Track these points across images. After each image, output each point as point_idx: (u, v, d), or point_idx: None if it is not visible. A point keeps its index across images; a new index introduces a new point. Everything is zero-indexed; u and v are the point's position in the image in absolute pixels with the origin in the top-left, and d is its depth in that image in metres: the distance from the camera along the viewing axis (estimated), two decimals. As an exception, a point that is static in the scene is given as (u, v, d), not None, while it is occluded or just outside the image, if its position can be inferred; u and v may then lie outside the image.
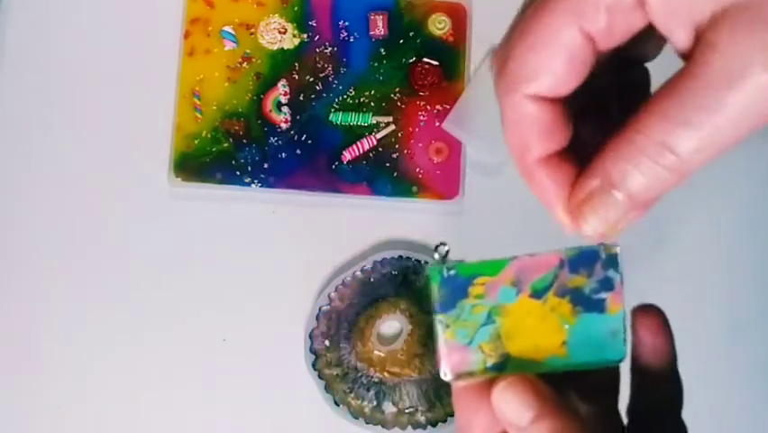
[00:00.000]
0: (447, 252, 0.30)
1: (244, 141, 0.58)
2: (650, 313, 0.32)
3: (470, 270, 0.29)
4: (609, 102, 0.30)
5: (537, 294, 0.29)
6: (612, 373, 0.33)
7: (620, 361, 0.30)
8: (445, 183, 0.59)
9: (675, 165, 0.25)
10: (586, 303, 0.29)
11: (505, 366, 0.30)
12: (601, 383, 0.32)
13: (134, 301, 0.58)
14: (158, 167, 0.58)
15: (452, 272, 0.29)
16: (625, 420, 0.34)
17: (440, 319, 0.30)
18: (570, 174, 0.27)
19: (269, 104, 0.59)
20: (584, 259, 0.29)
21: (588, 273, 0.29)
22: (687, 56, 0.25)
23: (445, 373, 0.30)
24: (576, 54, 0.26)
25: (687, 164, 0.25)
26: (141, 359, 0.57)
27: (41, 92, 0.60)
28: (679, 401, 0.33)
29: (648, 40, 0.27)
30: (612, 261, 0.29)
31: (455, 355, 0.30)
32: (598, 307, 0.29)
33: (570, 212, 0.27)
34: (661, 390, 0.32)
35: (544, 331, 0.29)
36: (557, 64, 0.26)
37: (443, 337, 0.30)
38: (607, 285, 0.29)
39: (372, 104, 0.59)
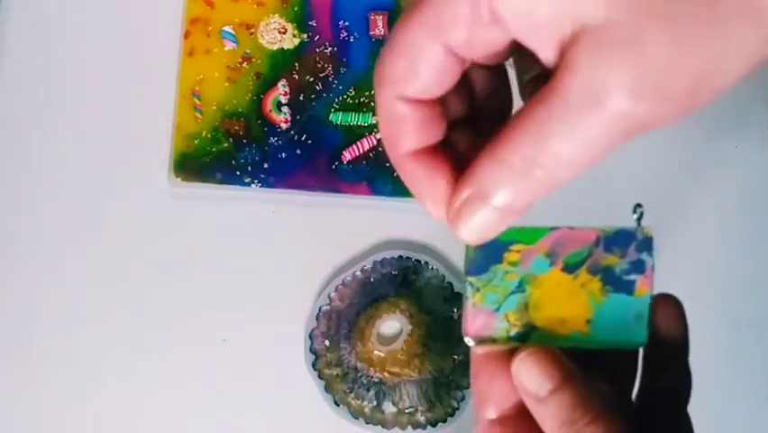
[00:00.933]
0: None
1: (244, 141, 0.58)
2: (670, 302, 0.32)
3: (508, 235, 0.29)
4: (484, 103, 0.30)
5: (570, 268, 0.30)
6: (632, 356, 0.33)
7: (640, 345, 0.30)
8: (445, 183, 0.59)
9: (542, 178, 0.25)
10: (616, 283, 0.29)
11: (527, 337, 0.30)
12: (620, 364, 0.32)
13: (134, 301, 0.58)
14: (158, 167, 0.58)
15: None
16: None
17: (470, 282, 0.30)
18: (440, 168, 0.28)
19: (269, 104, 0.59)
20: (620, 239, 0.29)
21: (621, 253, 0.29)
22: (552, 71, 0.25)
23: (467, 336, 0.30)
24: (439, 66, 0.26)
25: (553, 176, 0.25)
26: (141, 359, 0.57)
27: (41, 92, 0.60)
28: (687, 393, 0.33)
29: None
30: (647, 244, 0.29)
31: (480, 319, 0.30)
32: (628, 288, 0.29)
33: (448, 219, 0.28)
34: (671, 379, 0.32)
35: (571, 306, 0.29)
36: (421, 75, 0.26)
37: (471, 300, 0.30)
38: (638, 267, 0.29)
39: (372, 104, 0.59)
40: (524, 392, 0.29)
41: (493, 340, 0.30)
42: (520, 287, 0.30)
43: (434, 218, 0.28)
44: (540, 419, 0.29)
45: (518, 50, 0.26)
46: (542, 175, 0.25)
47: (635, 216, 0.30)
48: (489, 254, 0.30)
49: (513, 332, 0.30)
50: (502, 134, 0.26)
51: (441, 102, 0.28)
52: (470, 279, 0.30)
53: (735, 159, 0.61)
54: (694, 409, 0.35)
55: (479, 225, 0.27)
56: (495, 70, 0.30)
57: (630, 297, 0.29)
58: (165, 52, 0.59)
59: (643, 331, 0.30)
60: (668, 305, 0.32)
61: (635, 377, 0.33)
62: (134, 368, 0.57)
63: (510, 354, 0.30)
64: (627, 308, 0.29)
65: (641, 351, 0.32)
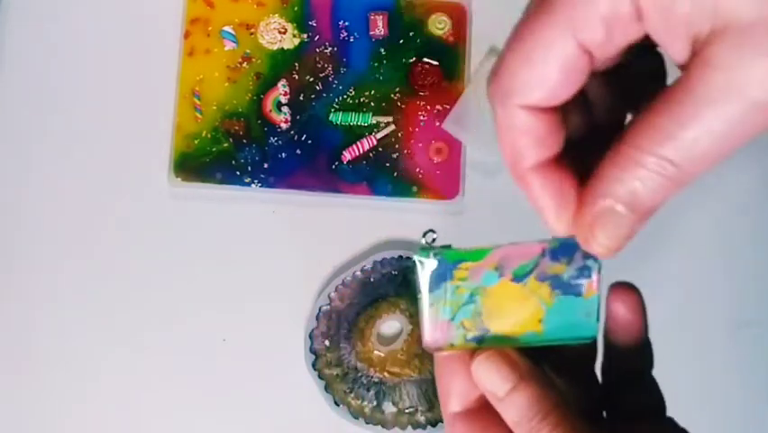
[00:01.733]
0: (434, 239, 0.32)
1: (244, 141, 0.58)
2: (625, 290, 0.33)
3: (455, 256, 0.31)
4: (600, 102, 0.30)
5: (518, 278, 0.31)
6: (587, 348, 0.34)
7: (591, 339, 0.32)
8: (445, 183, 0.59)
9: (675, 176, 0.25)
10: (564, 287, 0.31)
11: (484, 339, 0.31)
12: (576, 356, 0.34)
13: (134, 301, 0.58)
14: (158, 167, 0.58)
15: (439, 256, 0.31)
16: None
17: (425, 298, 0.32)
18: (562, 179, 0.28)
19: (269, 104, 0.59)
20: (565, 249, 0.31)
21: (567, 261, 0.31)
22: (683, 67, 0.25)
23: (428, 345, 0.32)
24: (571, 66, 0.26)
25: (686, 174, 0.25)
26: (141, 359, 0.57)
27: (41, 92, 0.60)
28: (649, 364, 0.34)
29: (644, 49, 0.28)
30: None
31: (438, 330, 0.32)
32: (575, 291, 0.31)
33: (579, 234, 0.28)
34: (631, 358, 0.34)
35: (522, 310, 0.31)
36: (551, 77, 0.26)
37: (427, 314, 0.32)
38: (585, 273, 0.31)
39: (372, 104, 0.59)
40: (485, 391, 0.31)
41: (452, 346, 0.32)
42: (471, 298, 0.31)
43: (559, 233, 0.29)
44: (503, 414, 0.31)
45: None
46: (675, 173, 0.25)
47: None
48: (439, 274, 0.31)
49: (470, 336, 0.31)
50: (628, 137, 0.26)
51: (561, 111, 0.28)
52: (425, 296, 0.32)
53: (735, 159, 0.61)
54: (694, 408, 0.35)
55: (615, 234, 0.27)
56: (613, 78, 0.29)
57: (578, 297, 0.31)
58: (165, 52, 0.59)
59: (593, 325, 0.31)
60: (623, 292, 0.33)
61: (593, 363, 0.35)
62: (134, 368, 0.57)
63: (470, 354, 0.31)
64: (577, 308, 0.31)
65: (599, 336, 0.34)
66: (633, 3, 0.25)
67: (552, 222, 0.29)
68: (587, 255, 0.30)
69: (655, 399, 0.34)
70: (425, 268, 0.31)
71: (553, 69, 0.26)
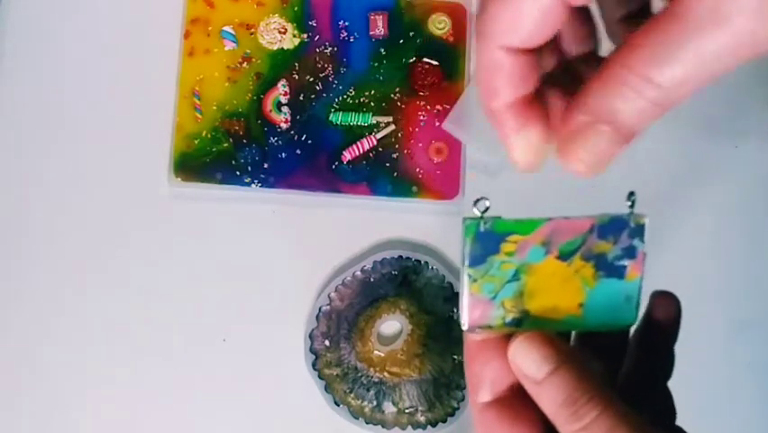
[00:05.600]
0: (487, 207, 0.30)
1: (244, 141, 0.58)
2: (668, 298, 0.33)
3: (505, 227, 0.30)
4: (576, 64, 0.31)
5: (564, 256, 0.30)
6: (621, 338, 0.34)
7: (630, 325, 0.31)
8: (445, 183, 0.59)
9: (658, 97, 0.26)
10: (608, 268, 0.30)
11: (522, 323, 0.30)
12: (610, 346, 0.34)
13: (134, 301, 0.58)
14: (158, 167, 0.58)
15: (487, 226, 0.30)
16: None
17: (468, 273, 0.30)
18: (533, 116, 0.29)
19: (269, 104, 0.59)
20: (613, 226, 0.30)
21: (614, 240, 0.30)
22: None
23: (465, 325, 0.31)
24: (548, 11, 0.27)
25: (669, 97, 0.26)
26: (141, 359, 0.57)
27: (40, 92, 0.60)
28: (669, 373, 0.34)
29: None
30: (639, 230, 0.30)
31: (477, 308, 0.30)
32: (619, 273, 0.30)
33: (559, 149, 0.28)
34: (656, 363, 0.34)
35: (564, 292, 0.30)
36: (529, 20, 0.27)
37: (468, 290, 0.30)
38: (630, 253, 0.30)
39: (372, 104, 0.59)
40: (521, 376, 0.30)
41: (489, 327, 0.31)
42: (516, 276, 0.30)
43: (521, 167, 0.29)
44: (538, 400, 0.30)
45: None
46: (657, 95, 0.26)
47: (629, 204, 0.31)
48: (486, 246, 0.30)
49: (509, 318, 0.30)
50: (616, 57, 0.26)
51: (535, 52, 0.29)
52: (469, 270, 0.30)
53: (735, 159, 0.61)
54: (694, 408, 0.35)
55: (594, 152, 0.27)
56: (581, 15, 0.30)
57: (621, 281, 0.30)
58: (165, 52, 0.59)
59: (632, 312, 0.31)
60: (666, 299, 0.33)
61: (623, 356, 0.34)
62: (134, 368, 0.57)
63: (504, 340, 0.30)
64: (618, 292, 0.30)
65: (631, 333, 0.34)
66: None
67: (517, 154, 0.29)
68: (633, 234, 0.30)
69: (668, 407, 0.34)
70: (472, 239, 0.30)
71: (530, 14, 0.27)
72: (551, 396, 0.29)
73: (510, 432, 0.30)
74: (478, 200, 0.30)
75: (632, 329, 0.33)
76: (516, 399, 0.31)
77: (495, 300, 0.30)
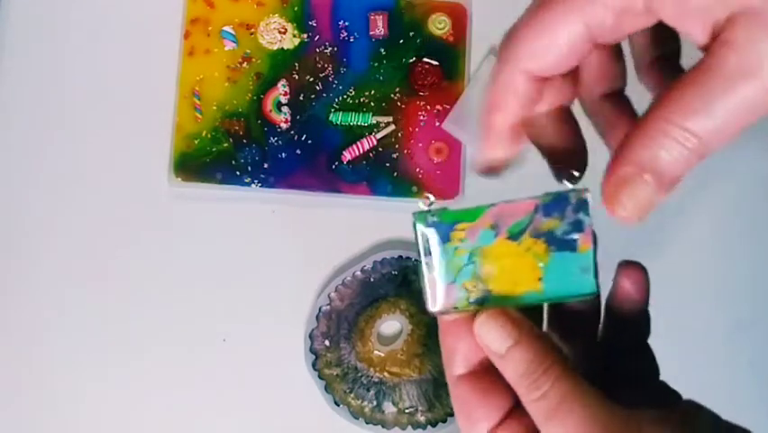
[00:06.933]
0: (432, 201, 0.32)
1: (244, 141, 0.58)
2: (632, 267, 0.35)
3: (451, 216, 0.32)
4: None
5: (514, 236, 0.32)
6: (589, 316, 0.36)
7: (592, 294, 0.32)
8: (445, 183, 0.59)
9: (697, 147, 0.28)
10: (558, 243, 0.32)
11: (486, 301, 0.32)
12: (577, 323, 0.35)
13: (134, 301, 0.58)
14: (158, 167, 0.58)
15: (435, 219, 0.32)
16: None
17: (426, 262, 0.32)
18: (519, 136, 0.32)
19: (269, 104, 0.59)
20: (557, 204, 0.32)
21: (560, 216, 0.32)
22: (705, 49, 0.27)
23: (432, 309, 0.32)
24: (575, 47, 0.29)
25: (707, 146, 0.28)
26: (141, 359, 0.57)
27: (41, 92, 0.60)
28: (646, 333, 0.36)
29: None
30: (582, 205, 0.32)
31: (440, 293, 0.32)
32: (570, 246, 0.32)
33: (606, 199, 0.30)
34: (631, 327, 0.35)
35: (520, 269, 0.32)
36: (555, 52, 0.29)
37: (428, 278, 0.32)
38: (577, 227, 0.32)
39: (372, 104, 0.59)
40: (488, 351, 0.32)
41: (456, 308, 0.32)
42: (470, 259, 0.32)
43: (482, 172, 0.33)
44: (504, 372, 0.31)
45: (643, 32, 0.29)
46: (696, 145, 0.27)
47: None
48: (437, 236, 0.32)
49: (472, 298, 0.32)
50: (656, 110, 0.28)
51: (548, 80, 0.31)
52: (425, 259, 0.32)
53: (735, 159, 0.61)
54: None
55: (638, 200, 0.29)
56: (612, 52, 0.33)
57: (574, 253, 0.32)
58: (165, 52, 0.59)
59: (591, 281, 0.32)
60: (631, 268, 0.35)
61: (596, 331, 0.36)
62: (134, 368, 0.57)
63: (472, 317, 0.32)
64: (573, 263, 0.32)
65: (602, 310, 0.35)
66: (645, 1, 0.27)
67: (489, 155, 0.33)
68: (577, 209, 0.31)
69: (650, 364, 0.36)
70: (423, 232, 0.32)
71: (558, 47, 0.29)
72: (513, 368, 0.31)
73: (483, 402, 0.32)
74: (422, 197, 0.33)
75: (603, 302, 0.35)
76: (488, 372, 0.32)
77: (456, 283, 0.32)
